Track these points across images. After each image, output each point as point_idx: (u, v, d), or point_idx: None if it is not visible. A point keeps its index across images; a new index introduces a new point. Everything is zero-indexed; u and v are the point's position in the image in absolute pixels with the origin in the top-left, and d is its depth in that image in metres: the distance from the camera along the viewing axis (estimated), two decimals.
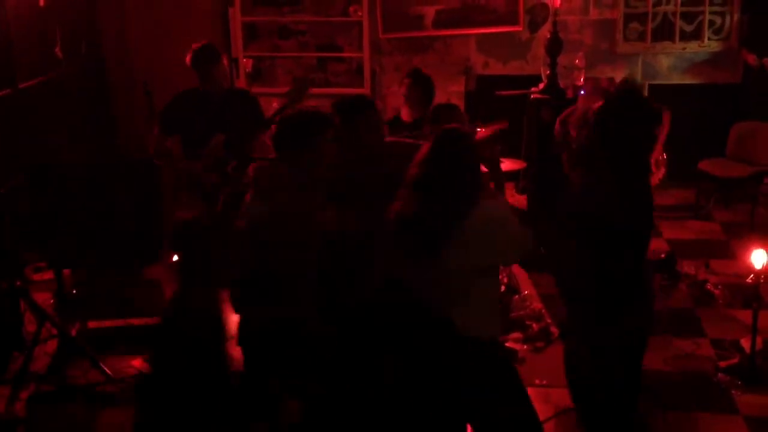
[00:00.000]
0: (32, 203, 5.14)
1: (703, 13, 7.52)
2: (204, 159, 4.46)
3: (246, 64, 7.57)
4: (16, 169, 5.23)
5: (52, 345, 4.81)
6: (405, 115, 5.69)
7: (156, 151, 4.62)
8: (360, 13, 7.72)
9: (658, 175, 5.13)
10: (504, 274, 5.74)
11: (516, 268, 6.07)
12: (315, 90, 7.85)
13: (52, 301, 5.21)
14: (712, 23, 7.54)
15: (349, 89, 7.91)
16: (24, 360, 4.52)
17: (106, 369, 4.61)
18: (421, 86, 5.54)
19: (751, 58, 6.88)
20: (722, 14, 7.51)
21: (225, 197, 4.49)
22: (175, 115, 4.58)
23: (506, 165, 5.55)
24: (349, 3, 7.76)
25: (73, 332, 4.99)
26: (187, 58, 4.47)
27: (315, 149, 3.25)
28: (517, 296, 5.59)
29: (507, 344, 4.85)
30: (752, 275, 4.35)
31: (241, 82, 7.74)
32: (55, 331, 4.77)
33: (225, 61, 4.62)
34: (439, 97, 5.81)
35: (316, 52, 7.92)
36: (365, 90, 7.87)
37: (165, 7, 7.25)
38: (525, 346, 4.79)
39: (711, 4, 7.49)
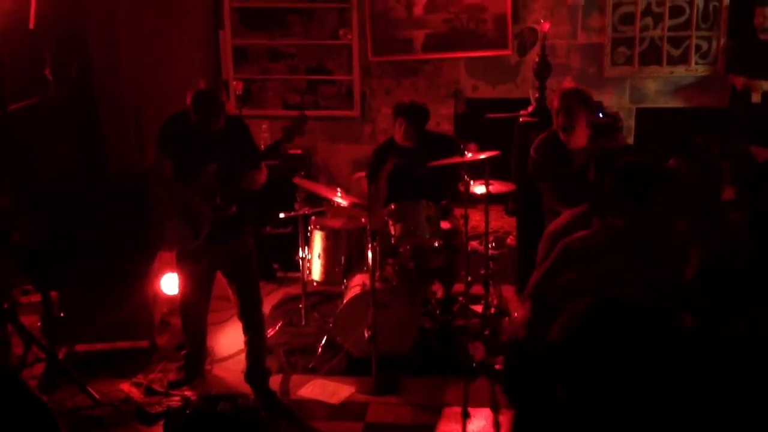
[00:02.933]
0: (19, 225, 5.12)
1: (689, 37, 7.59)
2: (197, 185, 4.45)
3: (236, 86, 7.56)
4: (4, 191, 5.21)
5: (39, 368, 4.78)
6: (399, 138, 5.72)
7: (155, 172, 4.59)
8: (350, 37, 7.76)
9: None
10: (494, 297, 5.75)
11: (506, 291, 6.09)
12: (305, 112, 7.88)
13: (39, 324, 5.18)
14: (698, 48, 7.61)
15: (338, 111, 7.95)
16: None
17: (93, 393, 4.58)
18: (418, 123, 5.62)
19: (738, 81, 6.95)
20: (709, 39, 7.59)
21: (210, 227, 4.48)
22: (169, 137, 4.56)
23: (495, 188, 5.57)
24: (339, 26, 7.80)
25: (61, 355, 4.96)
26: (188, 99, 4.40)
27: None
28: (507, 319, 5.60)
29: (497, 366, 4.85)
30: None
31: (231, 105, 7.75)
32: (42, 355, 4.73)
33: (224, 100, 4.55)
34: (430, 120, 5.85)
35: (306, 75, 7.95)
36: (355, 112, 7.90)
37: (155, 29, 7.26)
38: None
39: (698, 28, 7.57)
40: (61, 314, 5.15)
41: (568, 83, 6.18)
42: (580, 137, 5.06)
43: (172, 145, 4.54)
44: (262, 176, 4.64)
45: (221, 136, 4.46)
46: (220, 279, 4.84)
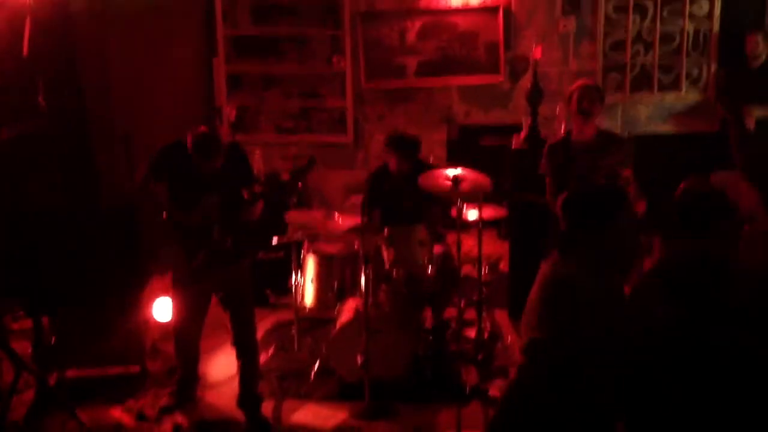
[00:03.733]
0: (10, 251, 5.10)
1: (680, 64, 7.66)
2: (197, 214, 4.44)
3: (229, 113, 7.60)
4: None
5: (29, 395, 4.74)
6: (392, 165, 5.74)
7: (142, 192, 4.58)
8: (343, 63, 7.80)
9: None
10: (487, 322, 5.74)
11: (499, 316, 6.08)
12: (297, 137, 7.94)
13: (30, 350, 5.14)
14: (689, 74, 7.68)
15: (331, 137, 7.98)
16: (0, 410, 4.44)
17: (83, 420, 4.54)
18: (409, 154, 5.65)
19: (731, 110, 7.01)
20: (699, 66, 7.66)
21: (206, 254, 4.48)
22: (167, 163, 4.55)
23: (488, 212, 5.58)
24: (332, 53, 7.84)
25: (52, 381, 4.92)
26: (188, 142, 4.40)
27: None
28: (500, 344, 5.58)
29: (491, 392, 4.83)
30: None
31: (224, 131, 7.77)
32: (32, 381, 4.70)
33: (222, 150, 4.55)
34: (423, 147, 5.87)
35: (300, 101, 7.98)
36: (348, 138, 7.92)
37: (148, 56, 7.29)
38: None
39: (688, 55, 7.64)
40: (53, 340, 5.12)
41: (560, 111, 6.23)
42: (590, 128, 5.17)
43: (169, 173, 4.53)
44: (258, 208, 4.65)
45: (221, 171, 4.47)
46: (215, 305, 4.82)
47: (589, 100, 5.10)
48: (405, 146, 5.69)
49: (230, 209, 4.47)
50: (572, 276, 2.94)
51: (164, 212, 4.57)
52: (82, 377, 5.13)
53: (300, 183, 4.56)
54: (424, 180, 5.35)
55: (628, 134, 7.71)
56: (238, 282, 4.71)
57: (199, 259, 4.50)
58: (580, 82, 5.37)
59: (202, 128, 4.42)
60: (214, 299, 4.82)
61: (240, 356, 4.77)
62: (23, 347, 5.10)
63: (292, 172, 4.55)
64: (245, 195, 4.50)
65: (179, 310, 4.76)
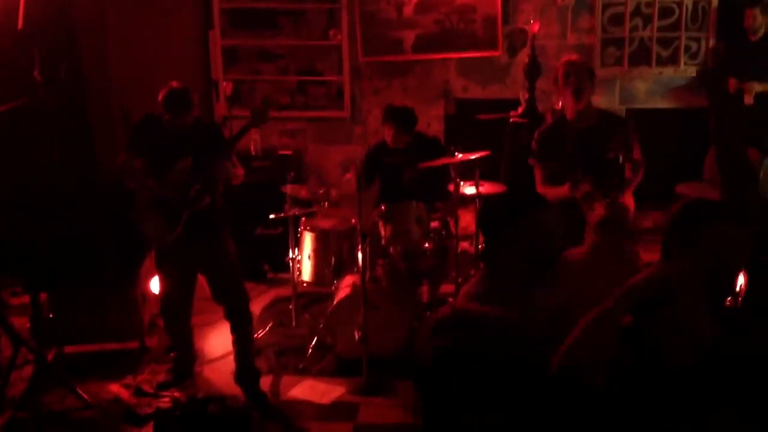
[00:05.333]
0: (8, 227, 5.10)
1: (679, 38, 7.62)
2: (170, 180, 4.43)
3: (226, 87, 7.56)
4: None
5: (28, 370, 4.76)
6: (389, 138, 5.73)
7: (122, 168, 4.57)
8: (339, 37, 7.76)
9: (636, 179, 4.96)
10: None
11: None
12: (295, 113, 7.91)
13: (28, 325, 5.16)
14: (688, 48, 7.64)
15: (328, 112, 7.95)
16: None
17: (83, 394, 4.57)
18: (406, 127, 5.62)
19: (731, 84, 6.97)
20: (698, 40, 7.62)
21: (186, 219, 4.47)
22: (141, 136, 4.56)
23: (485, 188, 5.58)
24: (328, 27, 7.80)
25: (50, 357, 4.94)
26: (159, 96, 4.42)
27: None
28: None
29: None
30: None
31: (221, 106, 7.75)
32: (31, 357, 4.72)
33: (196, 102, 4.54)
34: (420, 121, 5.86)
35: (296, 76, 7.94)
36: (345, 113, 7.90)
37: (145, 29, 7.25)
38: None
39: (687, 29, 7.60)
40: (50, 316, 5.13)
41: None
42: (588, 110, 4.80)
43: (144, 143, 4.53)
44: (238, 170, 4.64)
45: (192, 135, 4.47)
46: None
47: (577, 76, 4.72)
48: (402, 117, 5.67)
49: (204, 170, 4.45)
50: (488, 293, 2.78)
51: (139, 186, 4.55)
52: (81, 353, 5.16)
53: (258, 124, 4.51)
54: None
55: (625, 109, 7.71)
56: (218, 255, 4.67)
57: (178, 230, 4.47)
58: (564, 58, 5.01)
59: (174, 84, 4.44)
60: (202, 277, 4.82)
61: (233, 330, 4.77)
62: (21, 323, 5.12)
63: (250, 113, 4.48)
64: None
65: (164, 284, 4.75)
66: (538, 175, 4.91)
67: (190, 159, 4.42)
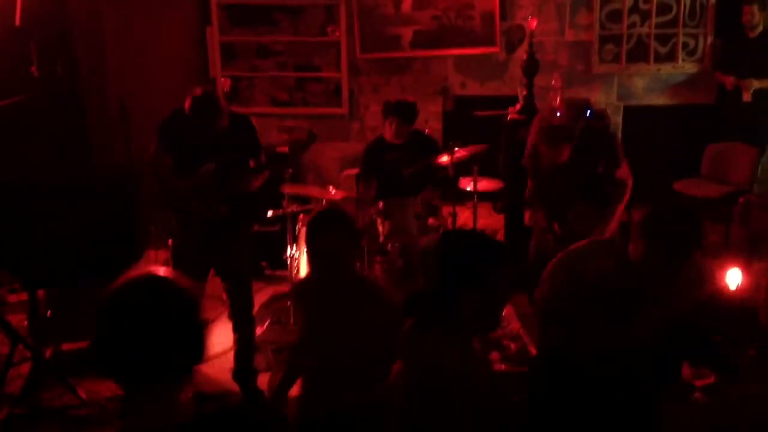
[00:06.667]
0: (4, 223, 5.08)
1: (677, 35, 7.62)
2: (194, 183, 4.42)
3: (224, 83, 7.55)
4: None
5: (26, 368, 4.75)
6: (388, 135, 5.71)
7: (153, 164, 4.54)
8: (338, 34, 7.75)
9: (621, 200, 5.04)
10: None
11: None
12: (293, 110, 7.90)
13: (26, 322, 5.15)
14: (686, 45, 7.64)
15: (327, 109, 7.94)
16: None
17: (80, 392, 4.56)
18: (408, 120, 5.61)
19: (729, 81, 6.97)
20: (696, 36, 7.62)
21: (203, 224, 4.47)
22: (169, 133, 4.51)
23: (484, 185, 5.57)
24: (326, 23, 7.78)
25: (47, 354, 4.93)
26: (186, 105, 4.35)
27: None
28: None
29: None
30: None
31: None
32: (28, 354, 4.71)
33: (223, 105, 4.49)
34: (418, 118, 5.84)
35: (294, 72, 7.93)
36: (343, 110, 7.89)
37: (142, 25, 7.23)
38: (503, 366, 4.79)
39: (685, 26, 7.60)
40: (48, 313, 5.12)
41: (556, 81, 6.19)
42: (564, 156, 4.83)
43: (173, 140, 4.49)
44: (261, 179, 4.63)
45: (225, 135, 4.42)
46: (212, 276, 4.83)
47: (553, 148, 4.79)
48: (404, 111, 5.64)
49: (228, 178, 4.44)
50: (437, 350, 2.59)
51: (162, 182, 4.54)
52: (78, 350, 5.15)
53: (299, 157, 4.54)
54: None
55: (623, 106, 7.71)
56: (236, 253, 4.70)
57: (196, 230, 4.48)
58: (544, 122, 4.99)
59: (199, 89, 4.37)
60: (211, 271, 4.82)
61: (237, 329, 4.78)
62: (19, 320, 5.12)
63: (292, 145, 4.51)
64: (251, 164, 4.49)
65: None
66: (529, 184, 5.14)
67: (212, 165, 4.40)
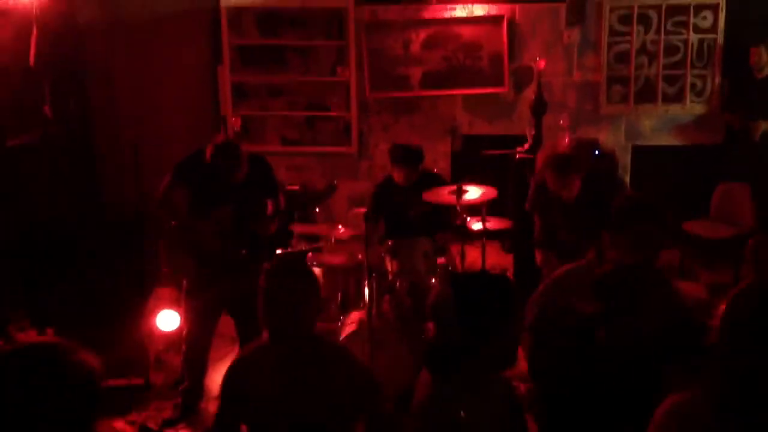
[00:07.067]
0: (15, 261, 5.11)
1: (684, 76, 7.66)
2: (212, 224, 4.46)
3: (235, 122, 7.61)
4: (1, 227, 5.21)
5: None
6: (398, 177, 5.73)
7: (163, 200, 4.59)
8: (347, 74, 7.82)
9: None
10: None
11: None
12: (303, 149, 7.95)
13: None
14: (693, 86, 7.68)
15: (336, 148, 7.99)
16: None
17: None
18: (414, 166, 5.63)
19: (736, 121, 7.00)
20: (703, 77, 7.66)
21: (218, 264, 4.49)
22: (189, 171, 4.56)
23: (492, 224, 5.58)
24: (336, 63, 7.85)
25: None
26: (208, 153, 4.41)
27: None
28: None
29: None
30: None
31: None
32: None
33: (244, 154, 4.52)
34: (426, 157, 5.87)
35: (305, 111, 7.99)
36: (352, 149, 7.94)
37: (154, 66, 7.31)
38: None
39: (692, 67, 7.64)
40: None
41: (564, 121, 6.23)
42: (574, 191, 5.00)
43: (193, 179, 4.54)
44: (275, 223, 4.67)
45: (243, 178, 4.48)
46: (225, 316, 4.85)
47: (561, 179, 4.91)
48: (409, 157, 5.67)
49: (247, 220, 4.48)
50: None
51: (175, 221, 4.57)
52: None
53: (317, 207, 4.59)
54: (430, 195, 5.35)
55: (632, 146, 7.73)
56: (249, 290, 4.70)
57: (210, 269, 4.50)
58: (551, 155, 5.12)
59: (221, 138, 4.43)
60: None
61: None
62: None
63: (310, 195, 4.57)
64: (270, 207, 4.52)
65: (190, 318, 4.77)
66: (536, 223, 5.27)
67: (229, 208, 4.43)
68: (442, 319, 2.58)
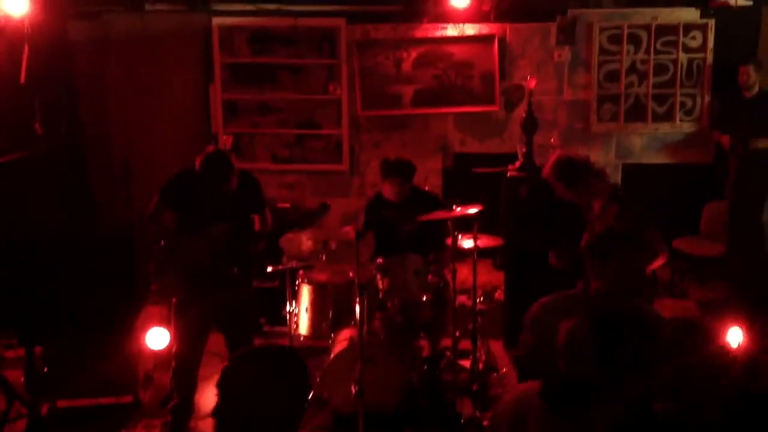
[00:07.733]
0: (4, 278, 5.08)
1: (674, 95, 7.70)
2: (205, 241, 4.45)
3: (226, 140, 7.60)
4: None
5: (21, 425, 4.71)
6: (387, 193, 5.73)
7: (152, 217, 4.59)
8: (339, 92, 7.83)
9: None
10: (482, 352, 5.73)
11: (494, 346, 6.06)
12: (293, 166, 7.95)
13: (23, 378, 5.11)
14: (683, 105, 7.73)
15: (328, 166, 7.99)
16: None
17: None
18: (406, 180, 5.63)
19: (726, 140, 7.03)
20: (693, 96, 7.71)
21: (209, 281, 4.48)
22: (176, 191, 4.56)
23: (483, 242, 5.58)
24: (328, 81, 7.87)
25: (44, 411, 4.88)
26: (197, 163, 4.42)
27: None
28: (495, 374, 5.56)
29: (485, 422, 4.81)
30: None
31: None
32: (24, 410, 4.67)
33: (235, 166, 4.53)
34: (418, 174, 5.87)
35: (295, 129, 8.00)
36: (343, 166, 7.94)
37: (146, 84, 7.33)
38: None
39: (682, 86, 7.69)
40: (45, 369, 5.08)
41: (555, 140, 6.25)
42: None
43: (181, 199, 4.54)
44: (265, 239, 4.68)
45: (233, 193, 4.48)
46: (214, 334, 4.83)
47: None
48: (402, 168, 5.68)
49: (238, 238, 4.48)
50: None
51: (163, 240, 4.56)
52: (75, 407, 5.10)
53: (310, 224, 4.61)
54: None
55: (621, 164, 7.75)
56: (239, 306, 4.71)
57: (201, 286, 4.50)
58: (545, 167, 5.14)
59: (211, 148, 4.43)
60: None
61: None
62: (16, 376, 5.07)
63: (301, 214, 4.58)
64: (257, 223, 4.52)
65: (180, 335, 4.74)
66: None
67: (227, 225, 4.43)
68: (575, 354, 2.50)
